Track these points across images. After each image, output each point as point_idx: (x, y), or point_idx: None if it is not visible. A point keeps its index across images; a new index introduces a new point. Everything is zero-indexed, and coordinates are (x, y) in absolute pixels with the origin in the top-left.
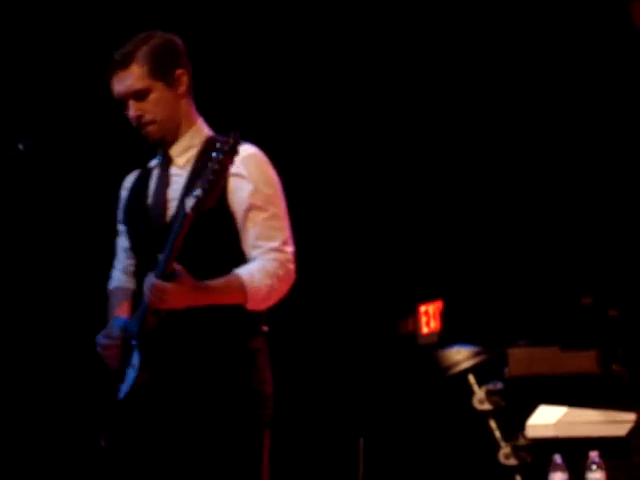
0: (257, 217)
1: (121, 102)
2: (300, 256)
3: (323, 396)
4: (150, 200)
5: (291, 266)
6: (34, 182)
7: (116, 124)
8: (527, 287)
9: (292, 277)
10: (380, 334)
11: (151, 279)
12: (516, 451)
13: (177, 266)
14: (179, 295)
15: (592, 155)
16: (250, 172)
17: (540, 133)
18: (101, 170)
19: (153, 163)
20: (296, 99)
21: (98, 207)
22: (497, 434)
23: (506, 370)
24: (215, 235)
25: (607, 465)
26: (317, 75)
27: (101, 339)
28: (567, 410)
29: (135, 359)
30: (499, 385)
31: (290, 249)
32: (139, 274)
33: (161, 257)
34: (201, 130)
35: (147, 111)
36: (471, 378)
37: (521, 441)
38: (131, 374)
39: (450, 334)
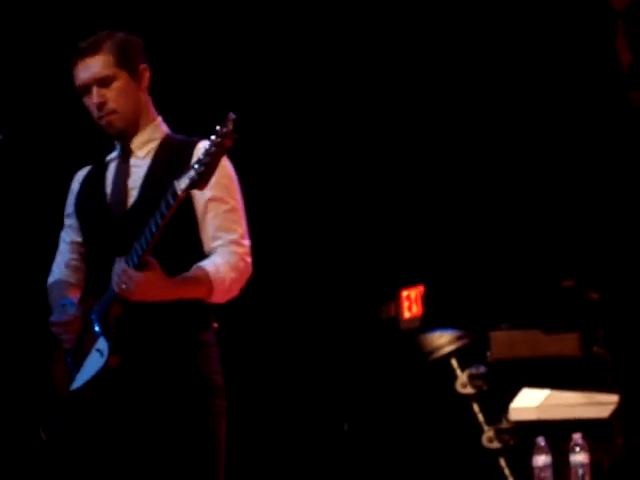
0: (217, 209)
1: (83, 90)
2: (284, 242)
3: (306, 382)
4: (109, 190)
5: (249, 259)
6: (12, 172)
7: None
8: (508, 271)
9: (250, 270)
10: (362, 319)
11: (122, 264)
12: (499, 434)
13: (150, 258)
14: (149, 287)
15: (569, 140)
16: None
17: (520, 121)
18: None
19: (110, 157)
20: (283, 91)
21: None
22: (480, 418)
23: (488, 354)
24: (177, 225)
25: (590, 447)
26: (296, 67)
27: (59, 315)
28: (550, 393)
29: (102, 345)
30: (482, 369)
31: (247, 242)
32: (92, 264)
33: (137, 244)
34: (161, 126)
35: (110, 99)
36: (454, 362)
37: (504, 424)
38: (97, 360)
39: (432, 318)
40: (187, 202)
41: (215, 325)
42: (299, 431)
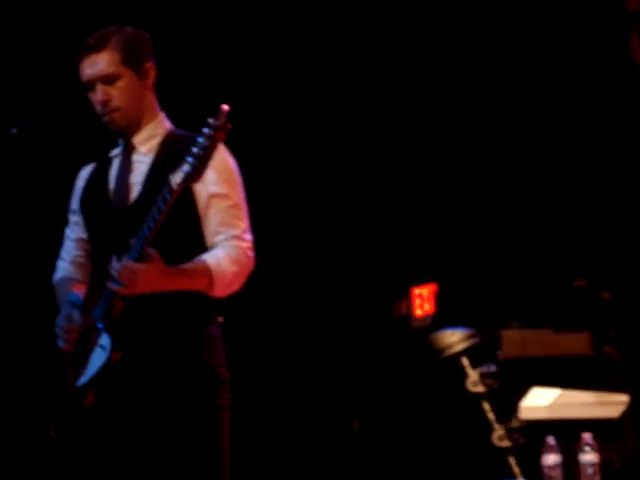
0: (220, 204)
1: (88, 85)
2: (296, 239)
3: (318, 379)
4: (112, 185)
5: (251, 254)
6: (27, 166)
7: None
8: (520, 270)
9: (252, 265)
10: (374, 317)
11: (121, 263)
12: (510, 433)
13: (149, 249)
14: (150, 277)
15: (583, 139)
16: (214, 161)
17: (529, 119)
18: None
19: (113, 153)
20: (285, 91)
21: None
22: (490, 416)
23: (499, 352)
24: (178, 220)
25: (600, 446)
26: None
27: (62, 321)
28: (560, 392)
29: (105, 340)
30: (492, 367)
31: (250, 237)
32: (96, 260)
33: (134, 241)
34: (163, 122)
35: (114, 97)
36: (464, 360)
37: (514, 423)
38: (101, 355)
39: (444, 317)
40: (189, 198)
41: (220, 319)
42: (309, 428)
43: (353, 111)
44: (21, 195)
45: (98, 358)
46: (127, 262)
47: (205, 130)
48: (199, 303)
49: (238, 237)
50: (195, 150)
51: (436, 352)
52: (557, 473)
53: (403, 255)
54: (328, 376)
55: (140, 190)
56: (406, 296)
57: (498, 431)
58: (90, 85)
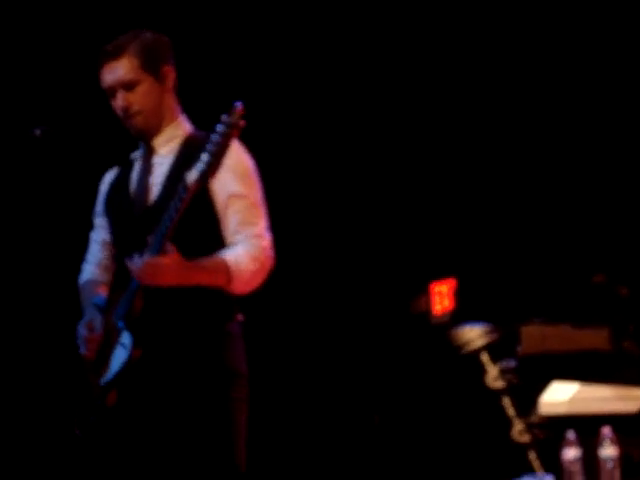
0: (238, 204)
1: (109, 92)
2: (315, 235)
3: (339, 376)
4: (133, 187)
5: (270, 252)
6: (50, 168)
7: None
8: (539, 266)
9: (271, 263)
10: (393, 313)
11: (143, 258)
12: (529, 428)
13: (168, 245)
14: (171, 270)
15: (602, 134)
16: (232, 161)
17: (547, 115)
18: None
19: (134, 156)
20: (292, 89)
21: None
22: (510, 411)
23: (519, 348)
24: (196, 220)
25: (620, 441)
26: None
27: (83, 330)
28: (580, 387)
29: (126, 339)
30: (512, 363)
31: (269, 236)
32: (120, 262)
33: (151, 239)
34: (183, 125)
35: (134, 102)
36: (484, 356)
37: (534, 418)
38: (122, 353)
39: (463, 313)
40: (207, 198)
41: (240, 317)
42: (330, 423)
43: (368, 108)
44: (44, 197)
45: (119, 356)
46: (148, 257)
47: (219, 127)
48: (219, 301)
49: (257, 236)
50: (209, 147)
51: (456, 348)
52: (577, 467)
53: (422, 251)
54: (349, 373)
55: (159, 191)
56: (425, 292)
57: (518, 426)
58: (111, 92)
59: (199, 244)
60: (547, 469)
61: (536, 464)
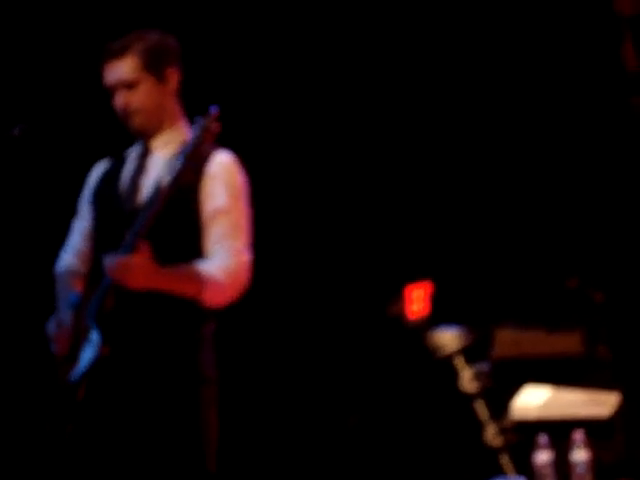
0: (223, 220)
1: (110, 90)
2: (289, 238)
3: (313, 378)
4: (122, 185)
5: (247, 270)
6: (30, 167)
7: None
8: (513, 269)
9: (246, 280)
10: (368, 317)
11: (114, 256)
12: (502, 431)
13: (141, 243)
14: (141, 271)
15: (574, 140)
16: (224, 177)
17: (525, 118)
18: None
19: (129, 152)
20: (287, 90)
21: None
22: (483, 415)
23: (493, 351)
24: (178, 227)
25: (592, 445)
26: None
27: (52, 328)
28: (552, 391)
29: (94, 335)
30: (486, 366)
31: (248, 255)
32: (97, 257)
33: (128, 235)
34: (183, 130)
35: (133, 101)
36: (458, 360)
37: (507, 422)
38: (90, 351)
39: (438, 316)
40: (194, 208)
41: (212, 320)
42: (304, 426)
43: (347, 112)
44: (23, 197)
45: (88, 354)
46: (121, 256)
47: (193, 128)
48: (192, 304)
49: (237, 250)
50: (182, 151)
51: (430, 351)
52: (549, 471)
53: (397, 255)
54: (324, 375)
55: (149, 193)
56: (400, 295)
57: (491, 429)
58: (112, 90)
59: (178, 251)
60: (519, 472)
61: (508, 467)
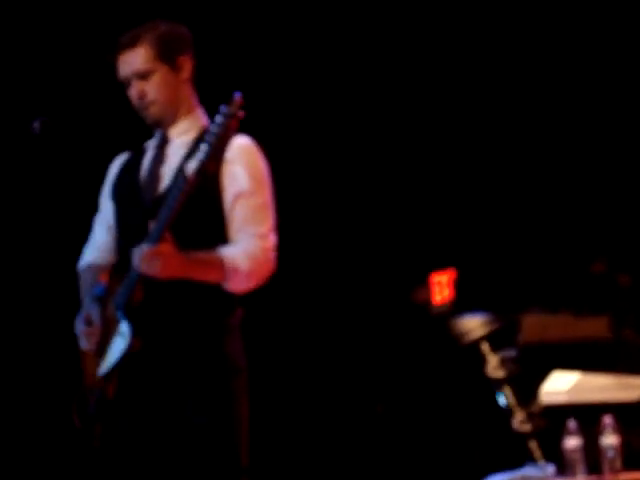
0: (245, 204)
1: (125, 82)
2: (316, 229)
3: (341, 367)
4: (143, 175)
5: (272, 255)
6: (50, 161)
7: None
8: (539, 254)
9: (272, 265)
10: (394, 304)
11: (142, 248)
12: (530, 417)
13: (167, 234)
14: (171, 260)
15: (599, 123)
16: (244, 161)
17: (548, 107)
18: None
19: (148, 143)
20: (294, 89)
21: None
22: (511, 401)
23: (519, 337)
24: (202, 213)
25: (621, 429)
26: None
27: (81, 325)
28: (580, 376)
29: (124, 328)
30: (513, 352)
31: (273, 238)
32: (121, 249)
33: (154, 226)
34: (200, 118)
35: (149, 92)
36: (485, 346)
37: (535, 407)
38: (121, 343)
39: (463, 302)
40: (216, 193)
41: (240, 310)
42: (333, 414)
43: (369, 103)
44: (44, 190)
45: (118, 346)
46: (148, 247)
47: (217, 118)
48: (220, 293)
49: (260, 236)
50: (208, 138)
51: (456, 338)
52: (578, 456)
53: (422, 242)
54: (351, 363)
55: (168, 182)
56: (425, 283)
57: (519, 416)
58: (127, 82)
59: (201, 237)
60: (548, 458)
61: (537, 453)
